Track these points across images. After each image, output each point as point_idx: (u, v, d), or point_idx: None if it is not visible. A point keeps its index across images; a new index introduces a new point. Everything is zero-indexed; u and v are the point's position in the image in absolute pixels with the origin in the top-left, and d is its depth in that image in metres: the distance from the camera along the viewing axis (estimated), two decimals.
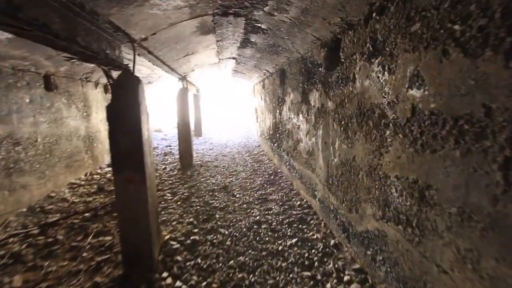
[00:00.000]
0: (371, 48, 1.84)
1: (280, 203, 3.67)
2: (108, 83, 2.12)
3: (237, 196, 4.01)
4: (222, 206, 3.66)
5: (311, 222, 3.07)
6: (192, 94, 9.22)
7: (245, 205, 3.66)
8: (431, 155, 1.34)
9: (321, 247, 2.58)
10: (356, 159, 2.11)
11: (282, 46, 3.43)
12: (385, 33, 1.68)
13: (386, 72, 1.68)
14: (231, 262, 2.43)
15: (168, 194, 4.12)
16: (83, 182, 4.68)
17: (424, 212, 1.40)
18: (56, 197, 3.96)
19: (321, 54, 2.74)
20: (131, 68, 2.18)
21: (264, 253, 2.56)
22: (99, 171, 5.39)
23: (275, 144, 5.52)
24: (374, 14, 1.76)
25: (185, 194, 4.11)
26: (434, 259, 1.35)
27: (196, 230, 2.99)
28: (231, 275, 2.27)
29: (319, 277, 2.18)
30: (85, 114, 5.18)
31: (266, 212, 3.41)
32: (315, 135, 3.08)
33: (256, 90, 8.04)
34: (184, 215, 3.38)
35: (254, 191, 4.18)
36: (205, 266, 2.38)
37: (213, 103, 17.94)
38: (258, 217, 3.28)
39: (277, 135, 5.32)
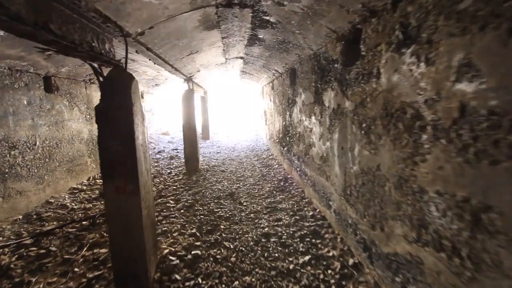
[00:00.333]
0: (401, 36, 1.53)
1: (291, 213, 3.36)
2: (98, 81, 1.89)
3: (244, 204, 3.73)
4: (227, 215, 3.38)
5: (326, 236, 2.76)
6: (200, 96, 9.04)
7: (252, 215, 3.38)
8: (490, 167, 1.03)
9: (339, 267, 2.26)
10: (381, 168, 1.80)
11: (293, 42, 3.15)
12: (420, 16, 1.37)
13: (422, 64, 1.37)
14: (236, 283, 2.14)
15: (171, 201, 3.88)
16: (85, 187, 4.50)
17: (480, 240, 1.09)
18: (55, 203, 3.78)
19: (337, 49, 2.44)
20: (123, 64, 1.94)
21: (273, 272, 2.26)
22: None
23: (285, 148, 5.22)
24: None
25: (189, 201, 3.86)
26: None
27: (198, 243, 2.72)
28: None
29: None
30: (88, 116, 5.03)
31: (276, 223, 3.12)
32: (329, 139, 2.77)
33: (265, 91, 7.77)
34: (187, 225, 3.12)
35: (262, 199, 3.89)
36: (206, 287, 2.11)
37: (222, 105, 17.79)
38: (266, 229, 2.99)
39: (287, 138, 5.02)
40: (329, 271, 2.22)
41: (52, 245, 2.76)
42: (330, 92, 2.69)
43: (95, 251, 2.64)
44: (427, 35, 1.34)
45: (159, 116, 10.55)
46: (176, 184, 4.68)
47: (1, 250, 2.67)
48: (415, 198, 1.48)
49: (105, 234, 2.94)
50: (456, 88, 1.18)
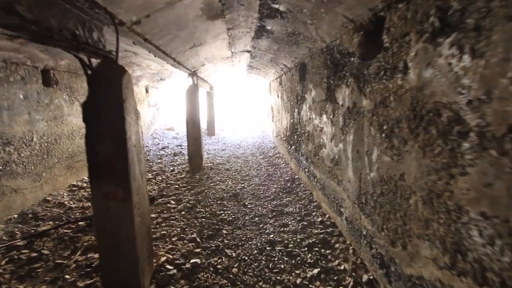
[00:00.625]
0: (437, 23, 1.28)
1: (298, 218, 3.14)
2: (85, 74, 1.69)
3: (249, 206, 3.53)
4: (230, 218, 3.19)
5: (336, 246, 2.53)
6: (205, 91, 8.84)
7: (257, 219, 3.17)
8: None
9: (351, 283, 2.04)
10: (406, 177, 1.56)
11: (304, 34, 2.89)
12: None
13: (466, 56, 1.12)
14: None
15: (172, 202, 3.70)
16: (85, 184, 4.37)
17: None
18: (52, 202, 3.65)
19: (354, 40, 2.18)
20: (114, 56, 1.73)
21: (278, 287, 2.06)
22: None
23: (293, 147, 4.98)
24: None
25: (190, 202, 3.68)
26: None
27: (198, 250, 2.54)
28: None
29: None
30: None
31: (282, 229, 2.91)
32: (343, 140, 2.53)
33: (272, 87, 7.51)
34: (187, 229, 2.94)
35: (268, 201, 3.68)
36: None
37: (228, 101, 17.56)
38: (272, 236, 2.78)
39: (295, 137, 4.78)
40: None
41: (45, 248, 2.62)
42: (344, 89, 2.43)
43: (89, 255, 2.48)
44: (474, 21, 1.08)
45: (164, 111, 10.41)
46: (178, 182, 4.51)
47: None
48: (450, 217, 1.24)
49: None
50: None
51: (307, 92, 3.77)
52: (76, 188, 4.18)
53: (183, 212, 3.37)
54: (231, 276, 2.19)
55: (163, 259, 2.38)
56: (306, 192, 3.91)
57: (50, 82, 3.88)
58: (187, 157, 6.01)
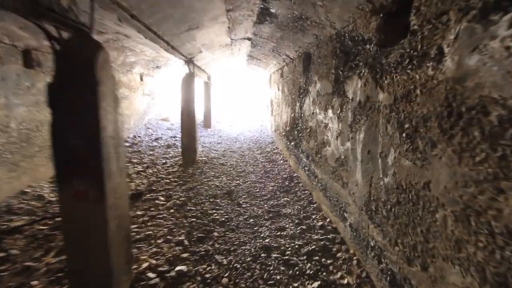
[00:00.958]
0: None
1: (297, 221, 2.90)
2: (51, 50, 1.39)
3: (244, 206, 3.28)
4: (223, 219, 2.93)
5: (339, 255, 2.29)
6: (203, 81, 8.51)
7: (252, 220, 2.93)
8: None
9: None
10: (433, 187, 1.30)
11: (311, 18, 2.60)
12: None
13: None
14: None
15: (161, 198, 3.44)
16: None
17: None
18: (31, 194, 3.36)
19: (372, 25, 1.90)
20: (87, 29, 1.44)
21: None
22: None
23: (292, 143, 4.72)
24: None
25: (181, 199, 3.42)
26: None
27: (185, 255, 2.29)
28: None
29: None
30: None
31: (278, 233, 2.66)
32: (351, 139, 2.27)
33: (273, 79, 7.21)
34: (175, 230, 2.68)
35: (264, 201, 3.44)
36: None
37: (226, 93, 17.17)
38: (267, 240, 2.54)
39: (295, 132, 4.51)
40: None
41: (15, 247, 2.35)
42: (356, 80, 2.16)
43: (63, 257, 2.22)
44: None
45: (160, 101, 10.05)
46: (169, 177, 4.24)
47: None
48: (495, 242, 0.99)
49: None
50: None
51: (311, 85, 3.49)
52: None
53: (172, 210, 3.11)
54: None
55: (145, 265, 2.12)
56: (306, 192, 3.67)
57: (32, 63, 3.55)
58: (180, 150, 5.74)
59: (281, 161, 5.23)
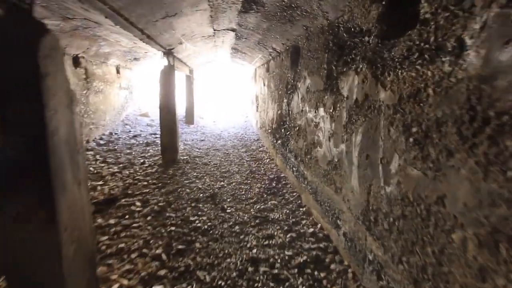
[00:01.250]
0: None
1: (286, 227, 2.70)
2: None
3: (228, 211, 3.04)
4: (206, 227, 2.69)
5: (332, 267, 2.12)
6: (185, 75, 8.11)
7: (237, 227, 2.70)
8: None
9: None
10: (449, 203, 1.12)
11: (302, 7, 2.37)
12: None
13: None
14: None
15: (137, 203, 3.13)
16: None
17: None
18: None
19: (372, 14, 1.69)
20: (27, 5, 1.13)
21: None
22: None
23: (279, 141, 4.52)
24: None
25: (160, 204, 3.13)
26: None
27: (163, 272, 2.03)
28: None
29: None
30: None
31: (266, 242, 2.46)
32: (346, 141, 2.07)
33: (258, 74, 6.95)
34: (151, 242, 2.41)
35: (250, 204, 3.21)
36: None
37: (210, 88, 16.69)
38: (255, 251, 2.32)
39: (282, 130, 4.30)
40: None
41: None
42: (352, 76, 1.96)
43: None
44: None
45: (139, 95, 9.53)
46: (148, 178, 3.92)
47: None
48: None
49: None
50: None
51: (300, 80, 3.27)
52: None
53: (149, 218, 2.82)
54: None
55: (115, 286, 1.85)
56: (294, 194, 3.48)
57: None
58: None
59: (267, 160, 5.02)
